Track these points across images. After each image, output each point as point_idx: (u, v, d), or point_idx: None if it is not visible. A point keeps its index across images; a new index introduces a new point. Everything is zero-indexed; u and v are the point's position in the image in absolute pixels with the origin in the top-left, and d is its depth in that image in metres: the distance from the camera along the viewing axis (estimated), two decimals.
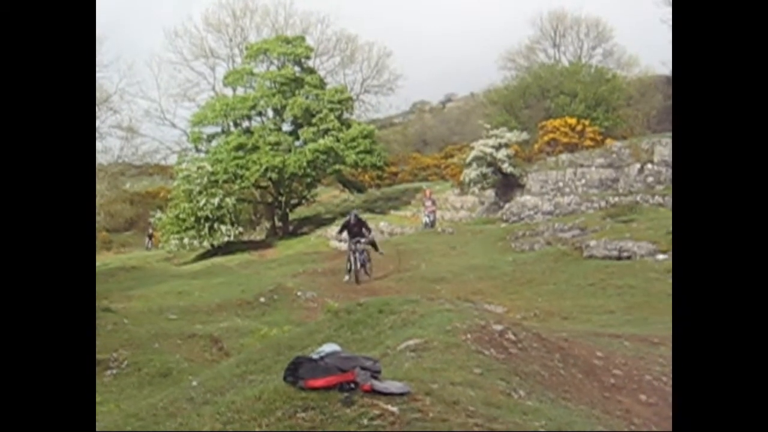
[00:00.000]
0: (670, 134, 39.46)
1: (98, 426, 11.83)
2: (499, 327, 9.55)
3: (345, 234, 29.69)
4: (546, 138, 45.81)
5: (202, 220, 45.78)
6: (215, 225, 45.95)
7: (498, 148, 43.32)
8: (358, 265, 27.73)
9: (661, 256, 27.31)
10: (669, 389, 10.23)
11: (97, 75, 45.53)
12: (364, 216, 46.00)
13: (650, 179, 36.76)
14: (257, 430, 5.60)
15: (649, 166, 37.08)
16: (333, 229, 44.67)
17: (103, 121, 46.61)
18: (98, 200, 47.47)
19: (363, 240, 28.07)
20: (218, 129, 51.78)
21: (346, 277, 28.19)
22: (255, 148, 48.20)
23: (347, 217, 29.86)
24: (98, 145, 46.34)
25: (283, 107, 50.30)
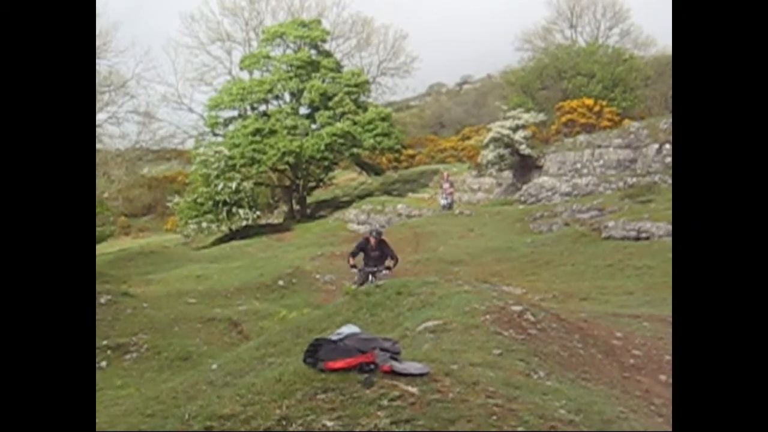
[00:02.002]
0: None
1: (119, 409, 11.92)
2: (518, 308, 9.54)
3: (360, 257, 19.17)
4: (563, 119, 45.64)
5: (220, 204, 45.77)
6: (233, 209, 45.93)
7: (515, 129, 43.14)
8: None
9: None
10: None
11: (114, 60, 45.71)
12: (382, 199, 46.10)
13: (668, 159, 36.47)
14: (277, 411, 5.61)
15: (667, 146, 36.77)
16: (351, 213, 44.62)
17: (120, 106, 46.59)
18: (116, 185, 47.49)
19: (384, 272, 18.29)
20: (235, 113, 51.74)
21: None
22: (272, 132, 48.10)
23: (366, 236, 19.95)
24: (116, 130, 46.36)
25: (300, 91, 50.27)
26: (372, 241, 18.88)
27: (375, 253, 18.76)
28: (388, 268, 18.53)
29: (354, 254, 19.12)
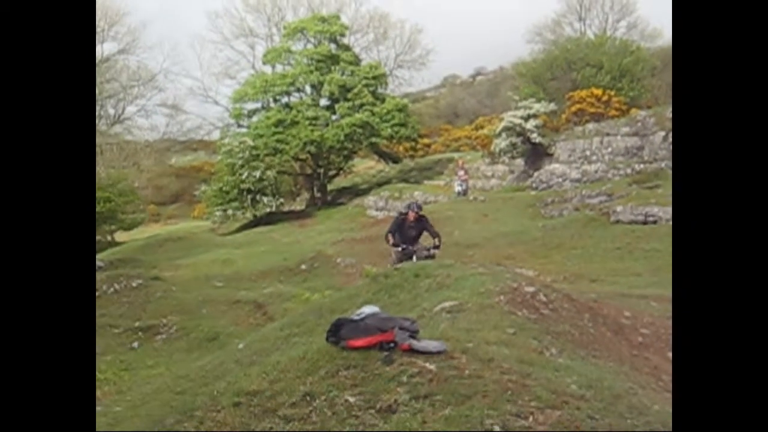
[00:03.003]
0: None
1: (151, 387, 11.99)
2: (530, 289, 9.54)
3: (397, 238, 16.10)
4: (573, 108, 45.48)
5: (245, 192, 46.08)
6: (257, 196, 46.25)
7: (527, 118, 43.04)
8: None
9: None
10: None
11: (143, 56, 46.02)
12: (399, 186, 46.10)
13: None
14: (302, 388, 5.63)
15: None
16: (370, 199, 44.66)
17: (149, 99, 47.12)
18: (146, 175, 47.96)
19: (432, 251, 15.84)
20: (258, 105, 51.84)
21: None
22: (294, 123, 48.29)
23: (403, 211, 16.78)
24: (145, 122, 46.87)
25: (321, 83, 50.35)
26: (411, 216, 16.04)
27: (413, 231, 16.05)
28: (437, 247, 15.82)
29: (392, 232, 16.09)
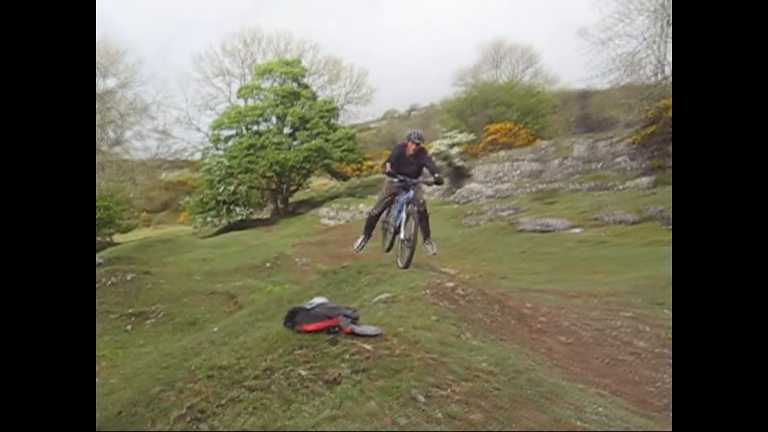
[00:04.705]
0: (585, 135, 39.62)
1: (141, 362, 11.84)
2: (450, 284, 9.58)
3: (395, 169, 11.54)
4: (488, 138, 45.89)
5: (221, 203, 46.20)
6: (231, 207, 46.39)
7: (451, 146, 43.38)
8: (416, 235, 11.14)
9: (576, 230, 27.52)
10: (582, 332, 10.32)
11: (138, 89, 45.46)
12: (347, 199, 46.07)
13: (569, 170, 36.86)
14: (263, 363, 5.63)
15: (568, 160, 37.17)
16: (323, 210, 44.65)
17: (143, 125, 46.75)
18: (140, 188, 47.55)
19: (423, 185, 11.91)
20: (233, 132, 51.58)
21: (359, 242, 12.85)
22: (263, 147, 48.35)
23: (401, 143, 12.03)
24: (139, 144, 46.42)
25: (284, 115, 50.30)
26: (410, 148, 11.51)
27: (412, 165, 11.55)
28: (438, 182, 11.72)
29: (391, 162, 11.52)
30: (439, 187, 44.01)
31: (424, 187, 11.88)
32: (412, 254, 11.06)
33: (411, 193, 11.18)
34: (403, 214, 11.24)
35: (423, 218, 11.25)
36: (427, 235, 11.62)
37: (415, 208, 10.99)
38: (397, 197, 11.71)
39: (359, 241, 12.67)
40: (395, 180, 11.39)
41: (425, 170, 11.94)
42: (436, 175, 11.62)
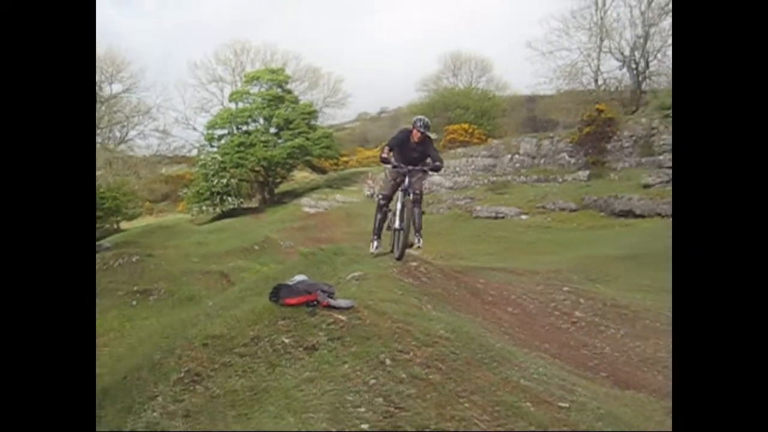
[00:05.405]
0: (531, 135, 39.81)
1: (145, 333, 11.80)
2: (414, 263, 9.63)
3: (395, 156, 9.88)
4: (448, 137, 45.93)
5: (215, 194, 45.94)
6: (224, 197, 46.14)
7: None
8: (410, 224, 9.55)
9: (524, 216, 27.75)
10: (528, 304, 10.44)
11: (142, 94, 45.23)
12: (326, 190, 45.97)
13: (517, 165, 37.09)
14: (251, 333, 5.64)
15: (517, 156, 37.38)
16: (304, 200, 44.53)
17: (146, 126, 46.68)
18: (143, 181, 47.29)
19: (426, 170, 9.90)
20: (226, 131, 51.14)
21: (374, 246, 10.63)
22: (252, 144, 48.04)
23: (405, 128, 10.30)
24: (143, 143, 46.34)
25: (271, 116, 50.00)
26: (415, 135, 9.84)
27: (415, 153, 9.88)
28: (437, 168, 9.89)
29: (390, 147, 9.85)
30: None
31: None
32: (405, 245, 9.61)
33: (407, 181, 9.68)
34: (399, 204, 9.84)
35: (416, 207, 9.84)
36: (417, 229, 9.98)
37: (410, 197, 9.62)
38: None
39: (374, 245, 10.71)
40: (388, 166, 9.86)
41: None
42: (436, 163, 9.88)
